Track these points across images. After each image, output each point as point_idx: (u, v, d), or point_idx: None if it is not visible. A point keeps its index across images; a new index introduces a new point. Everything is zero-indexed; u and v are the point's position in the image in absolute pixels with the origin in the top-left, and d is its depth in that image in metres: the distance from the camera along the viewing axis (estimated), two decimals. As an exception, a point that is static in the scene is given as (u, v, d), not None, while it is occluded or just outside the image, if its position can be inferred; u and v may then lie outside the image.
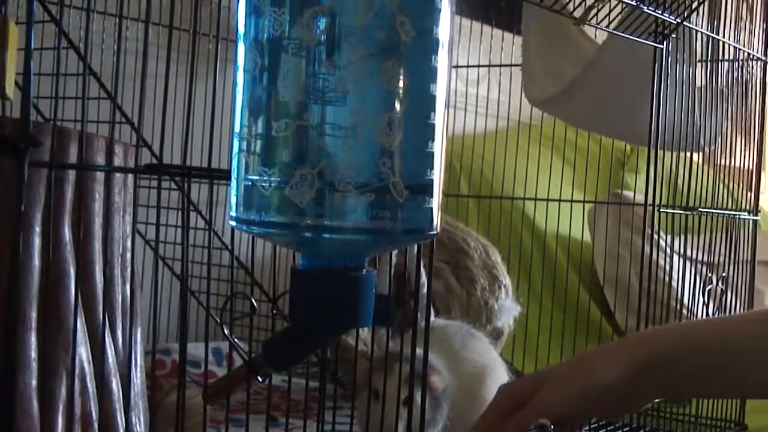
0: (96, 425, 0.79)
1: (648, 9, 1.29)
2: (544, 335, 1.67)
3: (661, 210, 1.39)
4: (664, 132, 1.38)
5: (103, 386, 0.79)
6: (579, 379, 0.72)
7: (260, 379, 0.74)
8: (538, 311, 1.87)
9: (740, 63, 1.55)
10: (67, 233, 0.79)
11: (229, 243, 0.81)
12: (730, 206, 1.54)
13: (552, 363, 1.42)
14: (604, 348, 0.78)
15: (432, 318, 0.94)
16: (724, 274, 1.51)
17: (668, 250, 1.73)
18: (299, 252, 0.63)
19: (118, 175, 0.83)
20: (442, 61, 0.58)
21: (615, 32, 1.33)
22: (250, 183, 0.57)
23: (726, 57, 1.53)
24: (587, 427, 1.29)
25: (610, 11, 1.28)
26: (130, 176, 0.85)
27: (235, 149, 0.59)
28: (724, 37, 1.51)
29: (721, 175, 1.55)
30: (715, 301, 1.49)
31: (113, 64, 0.78)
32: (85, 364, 0.79)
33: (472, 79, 2.04)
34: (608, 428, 1.33)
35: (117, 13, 0.89)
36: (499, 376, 1.18)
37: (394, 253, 0.99)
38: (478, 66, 1.95)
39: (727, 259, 1.52)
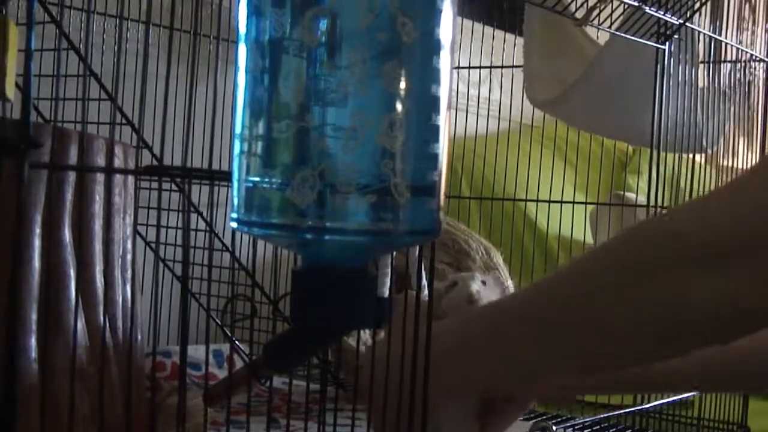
0: (97, 427, 0.78)
1: (650, 10, 1.29)
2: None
3: (663, 211, 1.39)
4: (666, 133, 1.38)
5: (103, 388, 0.79)
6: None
7: (261, 381, 0.74)
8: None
9: (743, 64, 1.55)
10: (67, 235, 0.79)
11: (230, 244, 0.81)
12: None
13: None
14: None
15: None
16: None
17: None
18: (300, 253, 0.62)
19: (118, 176, 0.82)
20: (443, 62, 0.58)
21: (617, 33, 1.32)
22: (251, 184, 0.57)
23: (728, 58, 1.53)
24: (590, 428, 1.29)
25: (612, 12, 1.28)
26: (131, 177, 0.84)
27: (236, 151, 0.58)
28: (726, 38, 1.51)
29: (724, 177, 1.55)
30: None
31: (114, 65, 0.78)
32: (85, 366, 0.79)
33: (474, 81, 2.03)
34: (610, 430, 1.33)
35: (117, 15, 0.89)
36: None
37: (395, 254, 0.98)
38: (480, 67, 1.94)
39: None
